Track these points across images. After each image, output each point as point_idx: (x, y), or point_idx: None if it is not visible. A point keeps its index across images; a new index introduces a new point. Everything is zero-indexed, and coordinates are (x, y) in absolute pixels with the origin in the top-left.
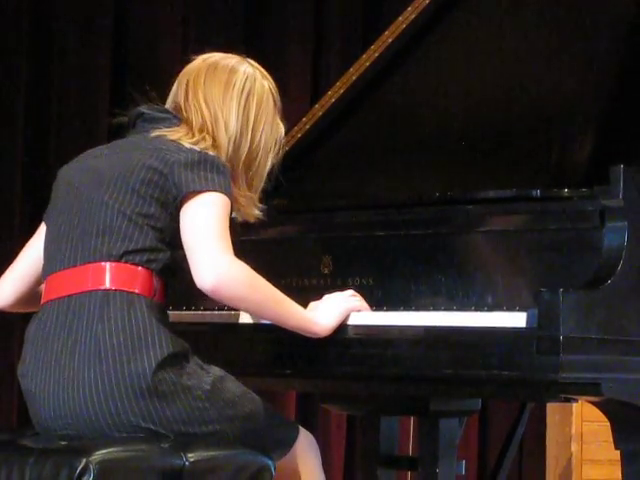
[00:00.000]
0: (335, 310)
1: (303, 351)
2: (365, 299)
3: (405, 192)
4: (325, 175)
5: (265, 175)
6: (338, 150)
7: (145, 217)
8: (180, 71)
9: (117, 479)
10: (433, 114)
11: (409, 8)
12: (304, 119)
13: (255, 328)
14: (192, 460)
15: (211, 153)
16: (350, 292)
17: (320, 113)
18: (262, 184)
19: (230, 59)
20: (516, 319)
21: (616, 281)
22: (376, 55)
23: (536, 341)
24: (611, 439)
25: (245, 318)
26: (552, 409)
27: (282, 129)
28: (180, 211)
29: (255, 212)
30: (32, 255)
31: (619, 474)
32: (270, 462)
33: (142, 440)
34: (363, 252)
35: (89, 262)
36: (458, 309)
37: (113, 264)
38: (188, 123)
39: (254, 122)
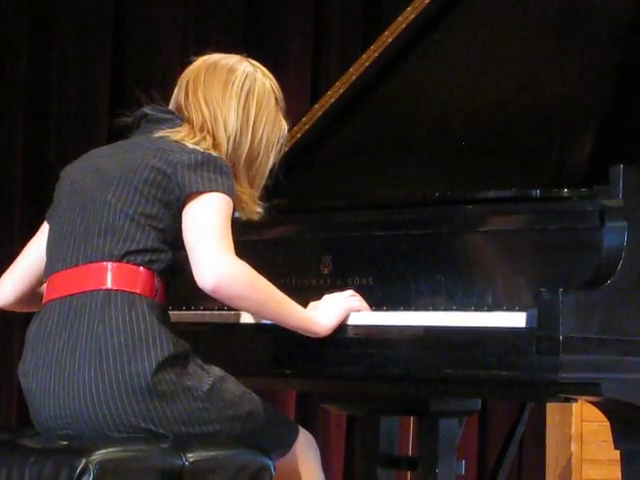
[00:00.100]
0: (335, 310)
1: (303, 351)
2: (365, 299)
3: (405, 192)
4: (325, 175)
5: (267, 173)
6: (338, 150)
7: (148, 217)
8: (180, 72)
9: (117, 479)
10: (433, 114)
11: (409, 8)
12: (304, 119)
13: (255, 328)
14: (192, 460)
15: (214, 154)
16: (350, 292)
17: (320, 113)
18: (264, 182)
19: (230, 58)
20: (516, 319)
21: (616, 281)
22: (376, 55)
23: (536, 341)
24: (611, 439)
25: (245, 318)
26: (552, 409)
27: (285, 127)
28: (182, 211)
29: (257, 209)
30: (33, 255)
31: (619, 474)
32: (270, 462)
33: (142, 440)
34: (363, 252)
35: (91, 262)
36: (458, 309)
37: (115, 264)
38: (189, 122)
39: (254, 120)
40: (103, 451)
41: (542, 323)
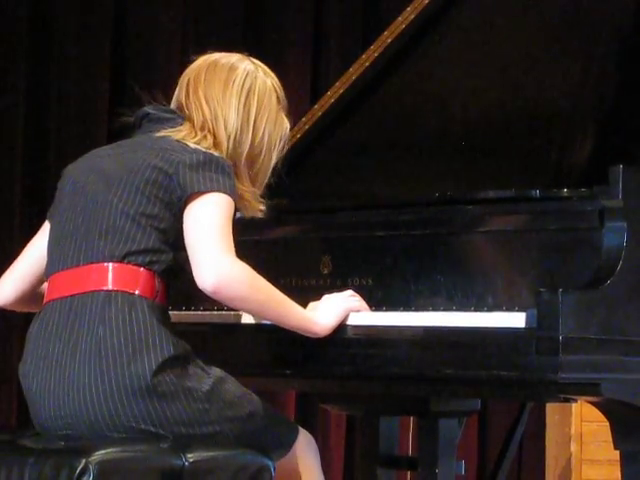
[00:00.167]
0: (334, 310)
1: (302, 351)
2: (364, 299)
3: (404, 192)
4: (324, 175)
5: (269, 171)
6: (337, 150)
7: (149, 217)
8: (180, 71)
9: (117, 479)
10: (432, 114)
11: (408, 8)
12: (303, 119)
13: (255, 328)
14: (192, 460)
15: (216, 154)
16: (349, 292)
17: (319, 113)
18: (266, 180)
19: (231, 57)
20: (515, 319)
21: (615, 281)
22: (375, 55)
23: (535, 341)
24: (610, 439)
25: (245, 318)
26: (551, 409)
27: (287, 125)
28: (184, 212)
29: (259, 207)
30: (34, 254)
31: (618, 474)
32: (270, 462)
33: (142, 440)
34: (362, 252)
35: (92, 262)
36: (457, 309)
37: (115, 265)
38: (190, 121)
39: (255, 119)
40: (103, 451)
41: (542, 323)
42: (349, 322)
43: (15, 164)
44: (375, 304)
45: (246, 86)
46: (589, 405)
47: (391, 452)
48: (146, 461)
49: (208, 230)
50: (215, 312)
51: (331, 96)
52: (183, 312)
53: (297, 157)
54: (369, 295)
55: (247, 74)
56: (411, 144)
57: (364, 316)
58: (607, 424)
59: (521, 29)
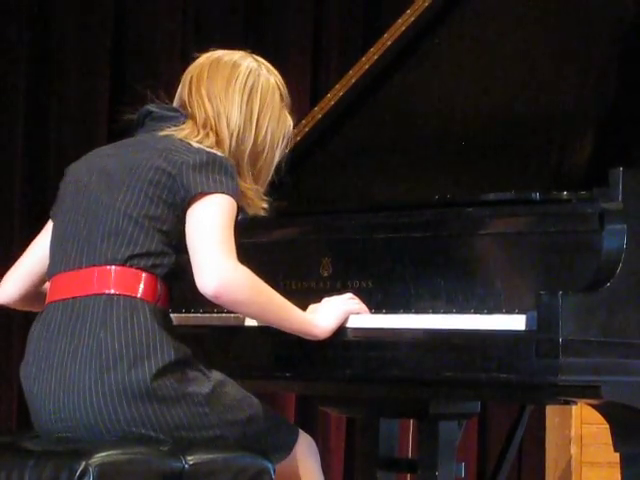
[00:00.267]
0: (334, 312)
1: (302, 354)
2: (364, 302)
3: (405, 194)
4: (324, 178)
5: (272, 169)
6: (337, 152)
7: (151, 219)
8: (181, 71)
9: None
10: (432, 117)
11: (408, 10)
12: (303, 121)
13: (255, 331)
14: (191, 463)
15: (219, 154)
16: (349, 295)
17: (319, 115)
18: (269, 178)
19: (233, 54)
20: (515, 322)
21: (615, 284)
22: (375, 57)
23: (535, 344)
24: (610, 442)
25: (245, 321)
26: (551, 411)
27: (290, 123)
28: (186, 213)
29: (262, 204)
30: (38, 253)
31: (618, 477)
32: (269, 465)
33: (142, 443)
34: (363, 255)
35: (94, 265)
36: (457, 312)
37: (118, 268)
38: (193, 119)
39: (258, 116)
40: (103, 454)
41: (542, 326)
42: (349, 325)
43: (15, 164)
44: (375, 306)
45: (249, 83)
46: (589, 407)
47: (391, 455)
48: (146, 463)
49: (210, 232)
50: (215, 315)
51: (331, 98)
52: (183, 314)
53: (297, 159)
54: (369, 297)
55: (250, 71)
56: (411, 146)
57: (364, 319)
58: (607, 427)
59: (521, 30)
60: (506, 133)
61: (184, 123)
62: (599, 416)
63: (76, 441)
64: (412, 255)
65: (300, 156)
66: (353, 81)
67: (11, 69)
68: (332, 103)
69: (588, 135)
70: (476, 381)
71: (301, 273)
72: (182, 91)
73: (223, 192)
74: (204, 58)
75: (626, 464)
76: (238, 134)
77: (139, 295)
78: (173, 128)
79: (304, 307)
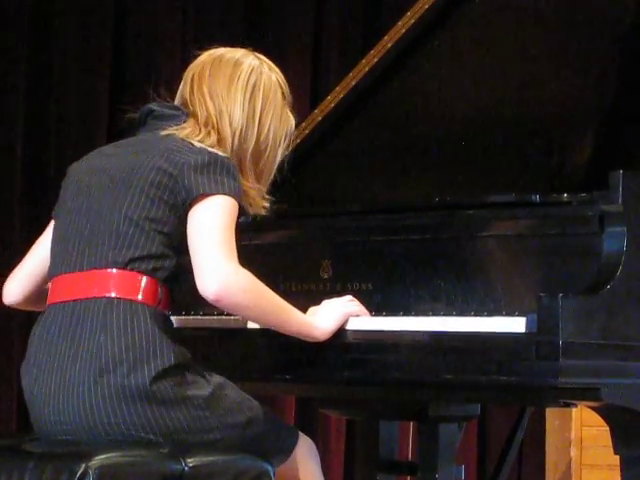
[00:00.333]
0: (334, 314)
1: (302, 356)
2: (364, 304)
3: (405, 197)
4: (324, 180)
5: (275, 168)
6: (337, 155)
7: (152, 221)
8: (180, 71)
9: None
10: (433, 119)
11: (408, 13)
12: (303, 124)
13: (255, 333)
14: (191, 465)
15: (221, 154)
16: (349, 297)
17: (319, 118)
18: (271, 177)
19: (235, 52)
20: (515, 324)
21: (615, 286)
22: (375, 60)
23: (535, 346)
24: (610, 444)
25: (245, 323)
26: (551, 414)
27: (292, 122)
28: (188, 214)
29: (264, 204)
30: (41, 253)
31: (618, 479)
32: (269, 467)
33: (142, 445)
34: (363, 257)
35: (95, 268)
36: (457, 314)
37: (118, 271)
38: (194, 117)
39: (260, 115)
40: (103, 456)
41: (542, 328)
42: (349, 327)
43: (15, 164)
44: (375, 309)
45: (251, 82)
46: (589, 410)
47: (391, 457)
48: (146, 466)
49: (211, 234)
50: (215, 317)
51: (331, 100)
52: (183, 317)
53: (297, 161)
54: (369, 300)
55: (252, 69)
56: (411, 148)
57: (364, 321)
58: (607, 429)
59: (521, 31)
60: (506, 135)
61: (185, 122)
62: (599, 418)
63: (76, 443)
64: (412, 257)
65: (300, 158)
66: (353, 83)
67: (11, 69)
68: (332, 105)
69: (588, 136)
70: (476, 383)
71: (301, 275)
72: (184, 89)
73: (224, 193)
74: (206, 56)
75: (626, 467)
76: (240, 132)
77: (139, 299)
78: (174, 127)
79: (304, 309)
